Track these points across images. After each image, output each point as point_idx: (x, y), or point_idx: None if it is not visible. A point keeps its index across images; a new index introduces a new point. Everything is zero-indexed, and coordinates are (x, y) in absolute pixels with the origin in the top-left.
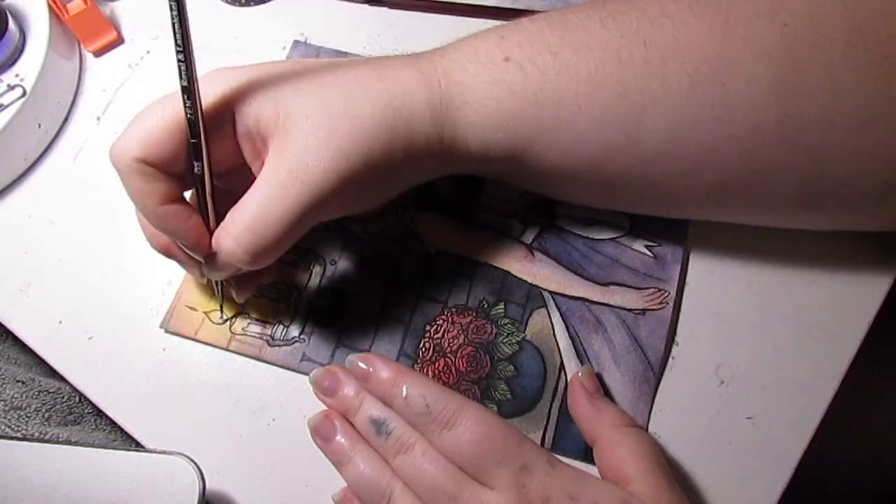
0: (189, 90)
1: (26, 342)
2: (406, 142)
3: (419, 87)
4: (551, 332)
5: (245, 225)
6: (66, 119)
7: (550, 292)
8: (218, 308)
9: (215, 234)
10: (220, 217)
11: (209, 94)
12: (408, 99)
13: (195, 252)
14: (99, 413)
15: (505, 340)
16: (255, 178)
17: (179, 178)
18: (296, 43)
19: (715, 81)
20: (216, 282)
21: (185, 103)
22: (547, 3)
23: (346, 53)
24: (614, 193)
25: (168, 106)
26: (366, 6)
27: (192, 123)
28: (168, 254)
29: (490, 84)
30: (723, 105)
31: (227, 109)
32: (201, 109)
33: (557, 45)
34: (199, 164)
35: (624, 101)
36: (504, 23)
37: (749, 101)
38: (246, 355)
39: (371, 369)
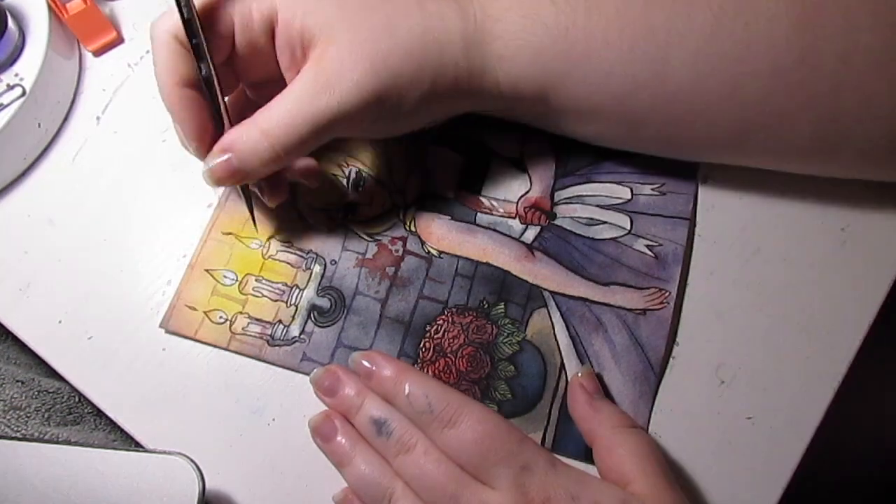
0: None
1: (26, 342)
2: (435, 70)
3: (455, 19)
4: (552, 332)
5: (276, 121)
6: (65, 119)
7: (551, 292)
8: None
9: (243, 126)
10: (233, 122)
11: None
12: (444, 29)
13: (192, 145)
14: (99, 413)
15: (505, 340)
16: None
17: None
18: None
19: (738, 19)
20: (247, 197)
21: (179, 4)
22: None
23: None
24: (636, 132)
25: None
26: None
27: (189, 24)
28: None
29: (523, 18)
30: (745, 42)
31: (271, 16)
32: (195, 10)
33: None
34: (204, 64)
35: (650, 38)
36: None
37: (770, 38)
38: (246, 355)
39: (374, 367)
